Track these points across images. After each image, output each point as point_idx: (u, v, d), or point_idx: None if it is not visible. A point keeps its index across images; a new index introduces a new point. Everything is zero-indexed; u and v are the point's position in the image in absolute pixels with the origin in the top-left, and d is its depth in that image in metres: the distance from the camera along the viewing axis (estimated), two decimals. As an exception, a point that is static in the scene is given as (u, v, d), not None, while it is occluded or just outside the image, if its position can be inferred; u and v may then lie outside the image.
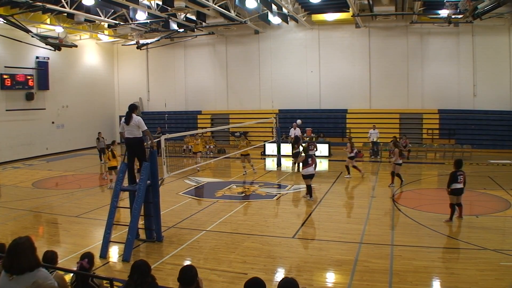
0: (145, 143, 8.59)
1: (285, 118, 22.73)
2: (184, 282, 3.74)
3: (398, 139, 20.06)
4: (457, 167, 9.49)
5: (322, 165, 19.03)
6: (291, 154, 18.10)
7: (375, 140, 19.72)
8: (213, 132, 25.75)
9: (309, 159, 11.89)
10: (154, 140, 9.37)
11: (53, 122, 24.02)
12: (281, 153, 18.70)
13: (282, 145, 18.84)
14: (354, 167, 15.43)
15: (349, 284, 6.43)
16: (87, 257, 4.85)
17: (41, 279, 3.22)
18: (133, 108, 8.47)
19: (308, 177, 11.89)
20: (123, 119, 8.48)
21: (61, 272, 4.59)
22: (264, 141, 20.79)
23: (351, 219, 10.11)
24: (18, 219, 10.65)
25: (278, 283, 3.41)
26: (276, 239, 8.79)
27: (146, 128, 8.39)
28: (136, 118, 8.33)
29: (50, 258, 4.79)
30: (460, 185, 9.36)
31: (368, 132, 20.18)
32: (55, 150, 23.90)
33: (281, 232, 9.38)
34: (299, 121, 20.29)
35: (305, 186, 12.44)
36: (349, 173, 15.38)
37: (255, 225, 9.65)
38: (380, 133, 20.06)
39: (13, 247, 3.19)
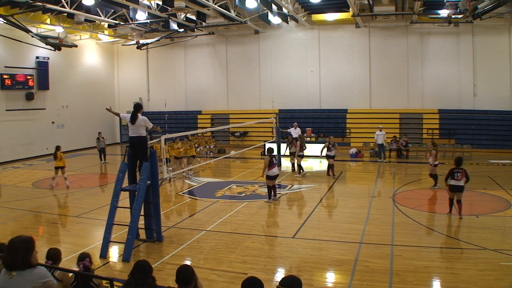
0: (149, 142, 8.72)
1: (285, 118, 22.73)
2: (182, 281, 3.73)
3: (398, 139, 20.13)
4: (455, 164, 9.90)
5: (322, 165, 19.04)
6: (289, 154, 17.99)
7: (381, 142, 18.87)
8: (213, 132, 25.77)
9: (274, 160, 11.85)
10: (153, 141, 9.43)
11: (53, 122, 24.02)
12: (281, 153, 18.65)
13: (282, 145, 18.79)
14: (299, 165, 15.71)
15: (349, 284, 6.43)
16: (88, 256, 4.85)
17: (46, 278, 3.25)
18: (138, 107, 8.56)
19: (273, 178, 11.77)
20: (128, 115, 8.50)
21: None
22: (264, 141, 20.77)
23: (351, 219, 10.10)
24: (18, 219, 10.65)
25: (281, 278, 3.41)
26: (276, 239, 8.80)
27: (152, 125, 8.66)
28: (141, 118, 8.43)
29: (54, 256, 4.80)
30: (456, 182, 9.66)
31: (374, 133, 19.41)
32: (55, 150, 23.88)
33: (281, 232, 9.39)
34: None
35: (305, 186, 12.49)
36: (299, 172, 15.76)
37: (255, 225, 9.65)
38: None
39: (10, 245, 3.26)
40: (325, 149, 15.43)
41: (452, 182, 9.72)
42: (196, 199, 12.77)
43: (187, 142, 16.51)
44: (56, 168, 14.26)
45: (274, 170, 11.75)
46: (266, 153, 12.37)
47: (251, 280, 3.39)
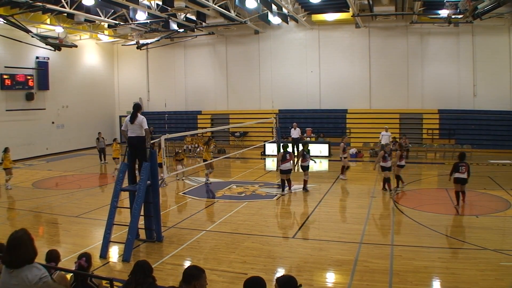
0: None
1: (285, 118, 22.73)
2: (183, 278, 3.70)
3: (398, 139, 20.06)
4: (459, 159, 10.68)
5: (322, 165, 19.04)
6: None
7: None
8: (213, 132, 25.76)
9: (287, 155, 12.54)
10: (153, 141, 9.41)
11: (53, 122, 24.02)
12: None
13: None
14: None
15: (349, 284, 6.43)
16: (85, 256, 4.85)
17: (43, 275, 3.21)
18: (138, 107, 8.59)
19: (284, 172, 12.50)
20: (127, 117, 8.53)
21: (63, 272, 4.60)
22: (264, 141, 20.77)
23: (351, 219, 10.10)
24: (18, 219, 10.65)
25: (276, 278, 3.39)
26: (276, 239, 8.80)
27: (147, 127, 8.53)
28: (140, 117, 8.44)
29: (53, 257, 4.79)
30: (460, 175, 10.37)
31: (374, 133, 19.28)
32: (55, 150, 23.89)
33: (281, 232, 9.39)
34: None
35: (304, 185, 12.57)
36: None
37: (255, 225, 9.65)
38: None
39: (12, 241, 3.15)
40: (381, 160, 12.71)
41: (457, 175, 10.41)
42: (196, 199, 12.77)
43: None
44: (6, 169, 14.61)
45: (287, 165, 12.43)
46: (281, 149, 13.07)
47: (254, 280, 3.37)
